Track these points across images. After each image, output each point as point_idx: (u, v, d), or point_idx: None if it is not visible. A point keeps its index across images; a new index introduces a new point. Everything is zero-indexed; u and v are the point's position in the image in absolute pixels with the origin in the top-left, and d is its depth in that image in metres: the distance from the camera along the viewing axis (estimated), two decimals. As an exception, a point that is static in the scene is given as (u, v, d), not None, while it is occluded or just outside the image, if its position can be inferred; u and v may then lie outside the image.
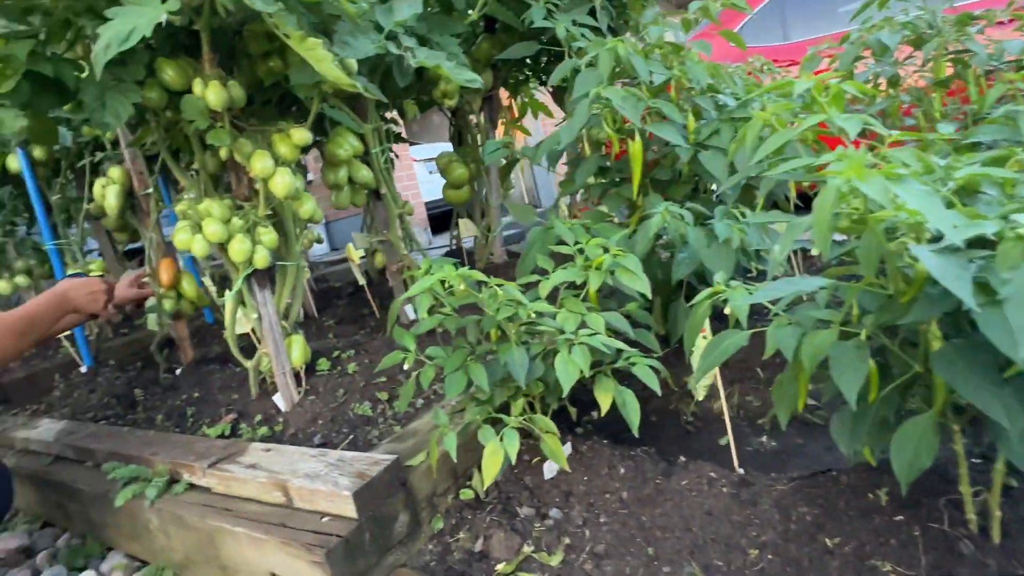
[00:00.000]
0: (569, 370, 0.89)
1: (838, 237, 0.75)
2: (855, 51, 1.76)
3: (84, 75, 1.05)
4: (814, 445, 1.15)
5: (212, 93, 1.11)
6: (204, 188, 1.31)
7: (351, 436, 1.31)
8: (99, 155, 1.82)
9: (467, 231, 2.36)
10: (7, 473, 1.14)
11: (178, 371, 1.93)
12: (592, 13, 1.68)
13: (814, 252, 0.77)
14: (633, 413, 0.94)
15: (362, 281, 1.99)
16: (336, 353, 1.64)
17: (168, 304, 1.81)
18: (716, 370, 1.05)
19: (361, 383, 1.48)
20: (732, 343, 0.72)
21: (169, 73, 1.14)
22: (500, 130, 2.36)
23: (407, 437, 1.25)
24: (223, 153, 1.22)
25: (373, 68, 1.32)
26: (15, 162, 2.33)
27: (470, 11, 1.68)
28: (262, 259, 1.28)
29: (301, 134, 1.24)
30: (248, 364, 1.55)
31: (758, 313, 1.00)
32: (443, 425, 1.01)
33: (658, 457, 1.07)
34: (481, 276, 0.99)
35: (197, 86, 1.13)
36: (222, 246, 1.26)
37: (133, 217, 1.89)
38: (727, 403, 1.08)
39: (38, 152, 2.28)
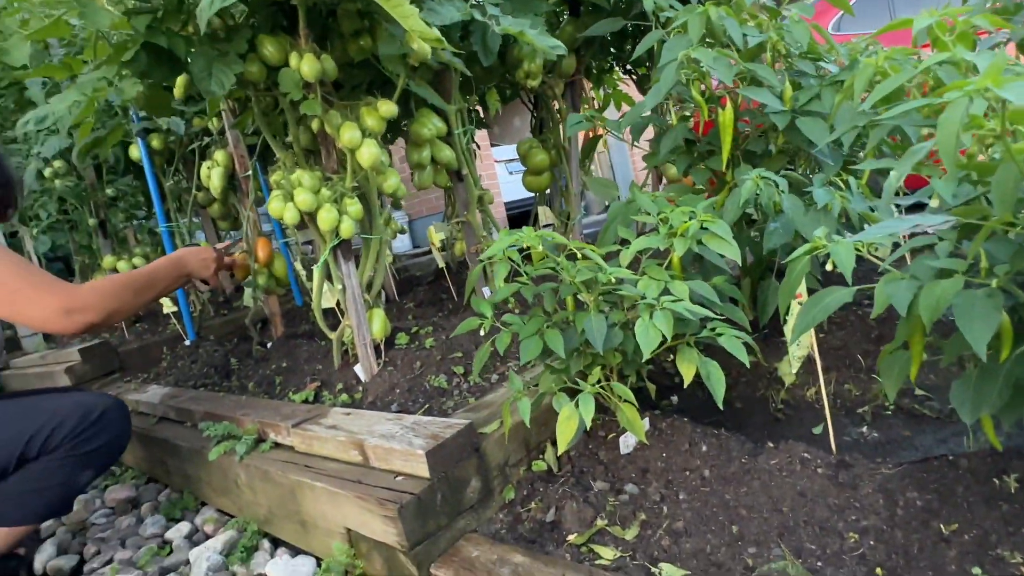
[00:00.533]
0: (651, 335, 0.85)
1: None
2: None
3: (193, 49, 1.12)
4: (924, 437, 1.04)
5: (306, 64, 1.15)
6: (296, 161, 1.37)
7: (427, 405, 1.32)
8: (206, 139, 1.95)
9: (545, 218, 2.34)
10: (124, 408, 1.24)
11: (269, 345, 2.04)
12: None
13: (932, 203, 0.69)
14: (718, 384, 0.89)
15: (442, 264, 2.02)
16: (415, 329, 1.67)
17: (261, 280, 1.91)
18: (813, 349, 0.97)
19: (438, 357, 1.50)
20: (835, 299, 0.66)
21: (269, 48, 1.21)
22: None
23: (481, 408, 1.24)
24: (315, 125, 1.27)
25: (456, 53, 1.33)
26: (136, 151, 2.56)
27: (555, -10, 1.66)
28: (347, 228, 1.32)
29: (388, 107, 1.27)
30: (332, 335, 1.60)
31: (865, 277, 0.92)
32: (518, 391, 0.99)
33: (744, 438, 1.00)
34: (561, 239, 0.97)
35: (293, 59, 1.18)
36: (311, 215, 1.30)
37: (234, 197, 2.01)
38: (824, 388, 0.99)
39: (155, 142, 2.48)
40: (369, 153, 1.26)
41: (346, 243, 1.43)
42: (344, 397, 1.43)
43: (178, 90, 1.42)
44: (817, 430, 1.14)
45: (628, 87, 2.77)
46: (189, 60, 1.07)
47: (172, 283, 1.45)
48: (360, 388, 1.46)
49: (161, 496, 1.77)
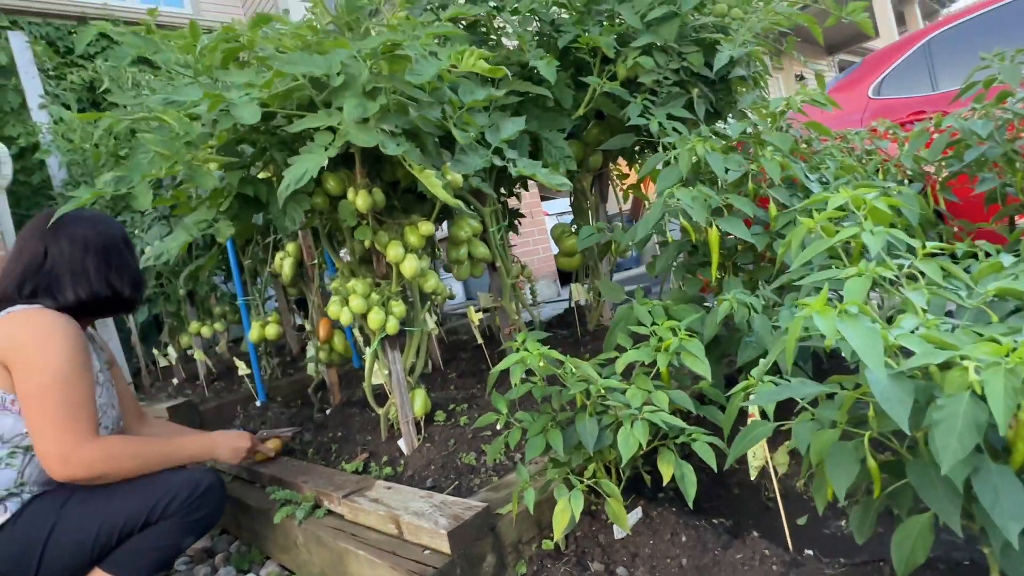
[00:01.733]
0: (629, 442, 1.03)
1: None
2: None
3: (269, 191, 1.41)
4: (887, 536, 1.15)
5: (360, 199, 1.42)
6: (352, 268, 1.63)
7: (456, 482, 1.52)
8: (279, 236, 2.27)
9: (577, 294, 2.53)
10: (223, 484, 1.43)
11: (328, 411, 2.30)
12: (689, 104, 1.83)
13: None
14: (690, 486, 1.05)
15: (480, 340, 2.24)
16: (452, 406, 1.88)
17: (323, 355, 2.19)
18: (767, 459, 1.11)
19: (470, 435, 1.70)
20: (759, 434, 0.82)
21: (331, 183, 1.48)
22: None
23: (502, 488, 1.43)
24: (367, 243, 1.53)
25: (490, 167, 1.58)
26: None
27: (578, 108, 1.90)
28: (392, 327, 1.56)
29: (427, 227, 1.52)
30: (379, 411, 1.84)
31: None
32: (524, 481, 1.18)
33: (721, 529, 1.15)
34: (558, 355, 1.16)
35: (350, 194, 1.45)
36: (363, 316, 1.56)
37: (301, 282, 2.32)
38: (777, 482, 1.13)
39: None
40: (410, 266, 1.50)
41: (392, 336, 1.68)
42: (388, 470, 1.65)
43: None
44: (802, 521, 1.26)
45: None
46: (269, 202, 1.36)
47: (189, 462, 1.50)
48: (402, 461, 1.68)
49: (232, 547, 2.02)
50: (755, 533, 1.21)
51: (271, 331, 2.63)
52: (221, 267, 3.45)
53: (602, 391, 1.12)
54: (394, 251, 1.48)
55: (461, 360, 2.69)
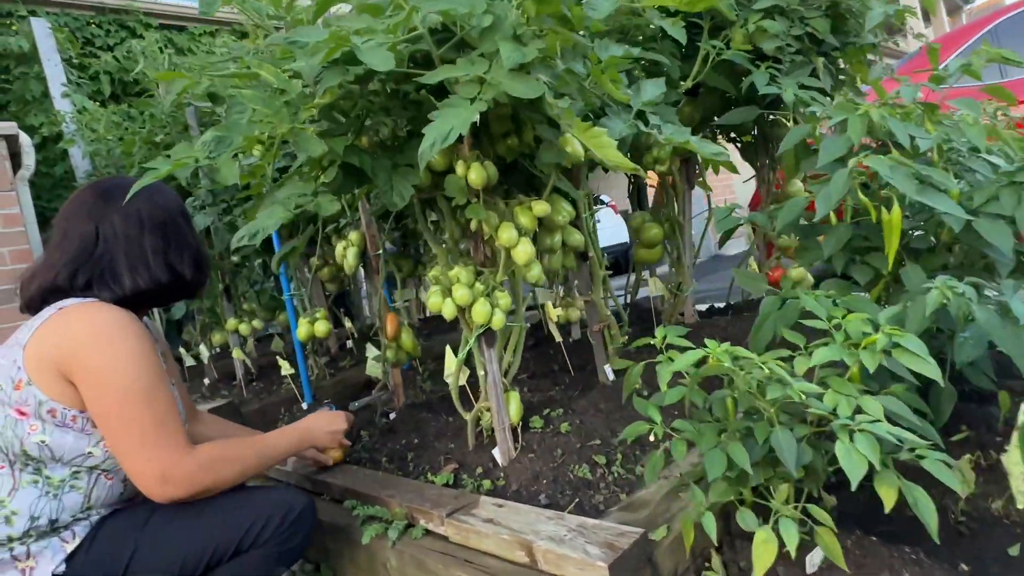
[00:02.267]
0: (855, 461, 0.83)
1: None
2: None
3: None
4: None
5: (474, 173, 1.23)
6: (450, 257, 1.44)
7: (576, 499, 1.32)
8: (343, 221, 2.08)
9: (656, 289, 2.34)
10: (315, 507, 1.22)
11: (391, 415, 2.11)
12: (814, 74, 1.63)
13: None
14: (929, 515, 0.85)
15: (559, 338, 2.04)
16: (547, 411, 1.69)
17: (390, 353, 1.99)
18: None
19: (577, 444, 1.50)
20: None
21: (436, 157, 1.29)
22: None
23: (637, 507, 1.24)
24: (473, 225, 1.34)
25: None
26: (265, 225, 2.76)
27: (684, 79, 1.71)
28: (499, 321, 1.37)
29: (542, 206, 1.33)
30: (467, 416, 1.64)
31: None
32: (700, 504, 0.98)
33: (948, 567, 0.95)
34: (744, 352, 0.97)
35: (460, 167, 1.26)
36: (466, 308, 1.36)
37: (366, 276, 2.13)
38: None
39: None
40: (524, 251, 1.31)
41: (490, 331, 1.49)
42: (487, 483, 1.45)
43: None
44: (1013, 551, 1.06)
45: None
46: (374, 174, 1.17)
47: (286, 457, 1.38)
48: (501, 474, 1.48)
49: (295, 566, 1.83)
50: (963, 566, 1.01)
51: (320, 328, 2.43)
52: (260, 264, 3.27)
53: (803, 398, 0.92)
54: (507, 234, 1.29)
55: (525, 359, 2.49)
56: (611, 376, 1.88)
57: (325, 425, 1.49)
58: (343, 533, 1.56)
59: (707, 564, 1.13)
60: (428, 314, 4.77)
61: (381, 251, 2.03)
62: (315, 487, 1.84)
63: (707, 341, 0.97)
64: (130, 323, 1.12)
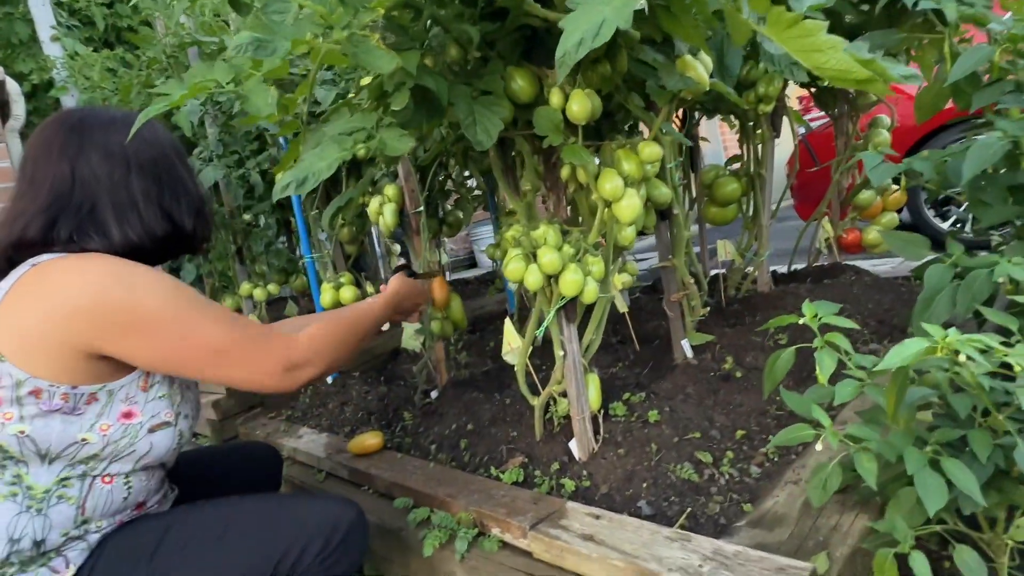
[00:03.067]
0: None
1: None
2: None
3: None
4: None
5: (577, 103, 0.95)
6: (530, 213, 1.18)
7: (686, 508, 1.09)
8: (375, 171, 1.80)
9: (725, 253, 2.07)
10: (366, 522, 1.02)
11: (433, 394, 1.88)
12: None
13: None
14: None
15: (624, 309, 1.79)
16: (626, 396, 1.45)
17: (436, 326, 1.75)
18: None
19: (673, 438, 1.27)
20: None
21: (519, 82, 1.01)
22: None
23: (772, 523, 1.00)
24: (565, 173, 1.07)
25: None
26: (282, 179, 2.48)
27: None
28: (592, 292, 1.12)
29: (652, 149, 1.06)
30: (534, 401, 1.40)
31: None
32: (905, 539, 0.74)
33: None
34: (985, 340, 0.71)
35: (555, 96, 0.98)
36: (553, 277, 1.11)
37: (404, 235, 1.86)
38: None
39: (303, 169, 2.39)
40: (630, 205, 1.05)
41: (572, 303, 1.23)
42: (569, 484, 1.22)
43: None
44: None
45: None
46: (451, 104, 0.89)
47: (380, 326, 1.24)
48: (583, 472, 1.25)
49: (332, 563, 1.62)
50: None
51: (347, 294, 2.18)
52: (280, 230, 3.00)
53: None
54: (611, 184, 1.02)
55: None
56: (690, 353, 1.64)
57: (409, 291, 1.36)
58: (393, 537, 1.34)
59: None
60: (448, 277, 4.52)
61: (422, 208, 1.76)
62: (355, 478, 1.62)
63: (926, 327, 0.72)
64: (134, 263, 0.89)
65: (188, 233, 1.03)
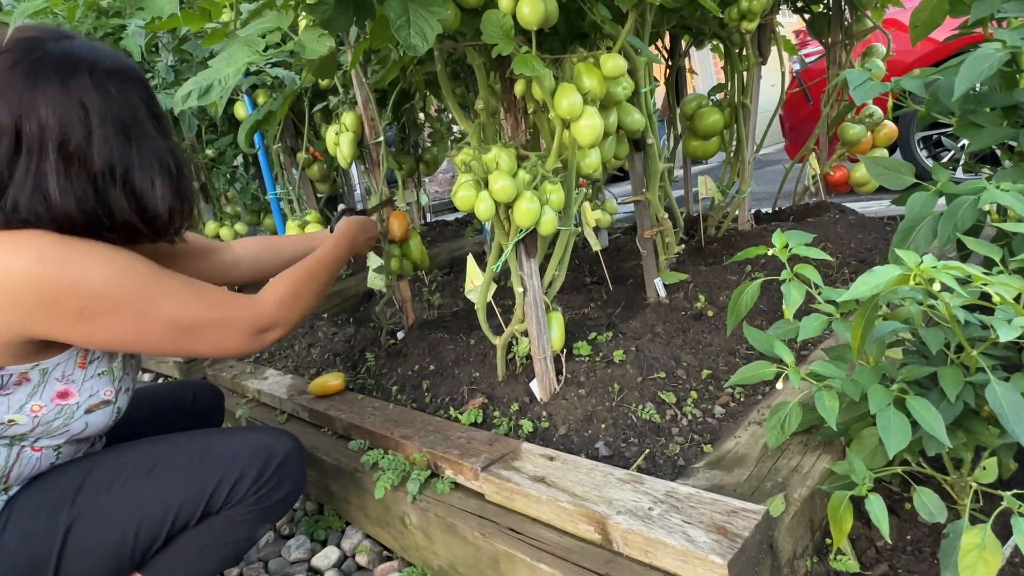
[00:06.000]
0: None
1: None
2: None
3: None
4: None
5: (528, 6, 0.84)
6: (483, 134, 1.07)
7: (645, 450, 1.05)
8: (333, 100, 1.68)
9: (706, 190, 1.98)
10: (303, 451, 1.00)
11: (399, 334, 1.81)
12: None
13: None
14: None
15: (597, 247, 1.71)
16: (592, 335, 1.39)
17: (394, 263, 1.67)
18: None
19: (637, 377, 1.21)
20: None
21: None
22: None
23: (730, 464, 0.96)
24: (519, 89, 0.97)
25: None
26: (241, 109, 2.33)
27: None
28: (549, 223, 1.03)
29: (615, 62, 0.96)
30: (496, 341, 1.34)
31: None
32: (864, 479, 0.69)
33: None
34: (962, 267, 0.64)
35: (504, 1, 0.86)
36: (507, 205, 1.02)
37: (362, 167, 1.75)
38: None
39: (261, 99, 2.25)
40: (590, 126, 0.95)
41: (532, 236, 1.15)
42: (527, 425, 1.18)
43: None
44: None
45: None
46: (382, 2, 0.78)
47: (338, 272, 1.22)
48: (543, 413, 1.20)
49: (296, 504, 1.60)
50: None
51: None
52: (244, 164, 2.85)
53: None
54: (568, 101, 0.92)
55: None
56: (662, 292, 1.57)
57: (363, 230, 1.37)
58: (350, 479, 1.30)
59: (827, 541, 0.87)
60: (429, 219, 4.40)
61: (382, 138, 1.64)
62: (315, 419, 1.57)
63: (900, 252, 0.64)
64: (76, 239, 0.77)
65: (162, 223, 0.85)
